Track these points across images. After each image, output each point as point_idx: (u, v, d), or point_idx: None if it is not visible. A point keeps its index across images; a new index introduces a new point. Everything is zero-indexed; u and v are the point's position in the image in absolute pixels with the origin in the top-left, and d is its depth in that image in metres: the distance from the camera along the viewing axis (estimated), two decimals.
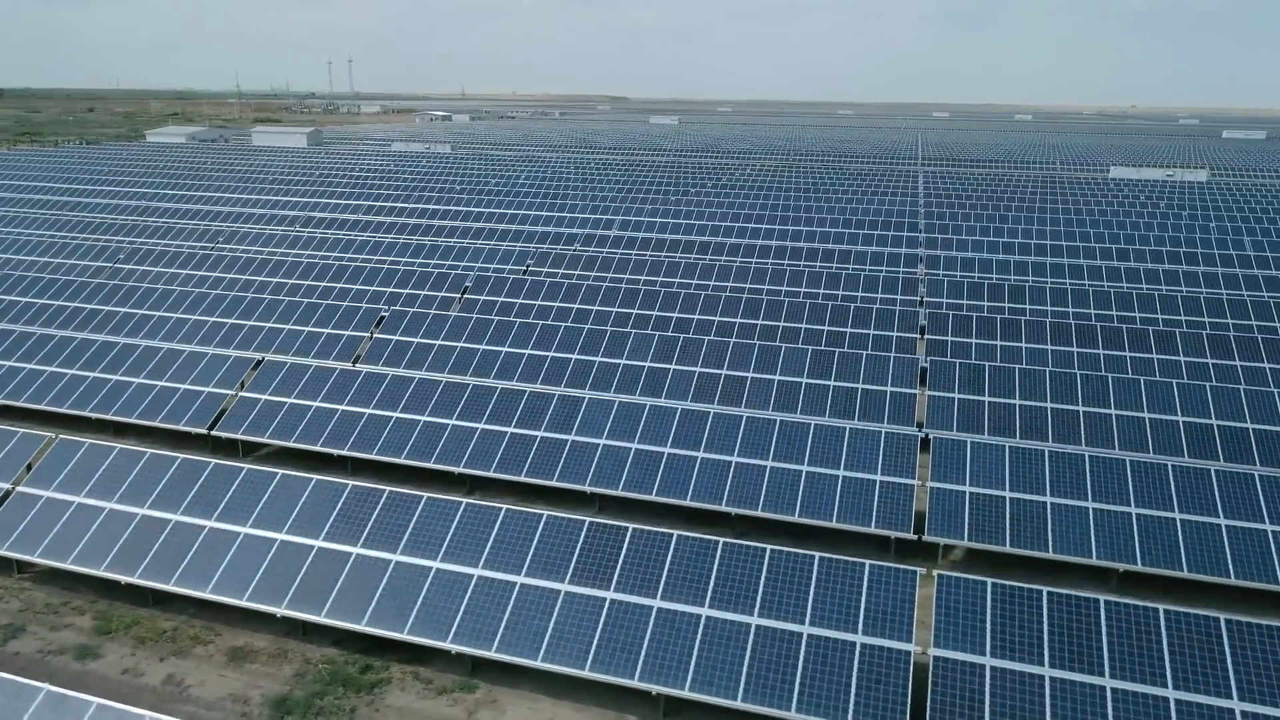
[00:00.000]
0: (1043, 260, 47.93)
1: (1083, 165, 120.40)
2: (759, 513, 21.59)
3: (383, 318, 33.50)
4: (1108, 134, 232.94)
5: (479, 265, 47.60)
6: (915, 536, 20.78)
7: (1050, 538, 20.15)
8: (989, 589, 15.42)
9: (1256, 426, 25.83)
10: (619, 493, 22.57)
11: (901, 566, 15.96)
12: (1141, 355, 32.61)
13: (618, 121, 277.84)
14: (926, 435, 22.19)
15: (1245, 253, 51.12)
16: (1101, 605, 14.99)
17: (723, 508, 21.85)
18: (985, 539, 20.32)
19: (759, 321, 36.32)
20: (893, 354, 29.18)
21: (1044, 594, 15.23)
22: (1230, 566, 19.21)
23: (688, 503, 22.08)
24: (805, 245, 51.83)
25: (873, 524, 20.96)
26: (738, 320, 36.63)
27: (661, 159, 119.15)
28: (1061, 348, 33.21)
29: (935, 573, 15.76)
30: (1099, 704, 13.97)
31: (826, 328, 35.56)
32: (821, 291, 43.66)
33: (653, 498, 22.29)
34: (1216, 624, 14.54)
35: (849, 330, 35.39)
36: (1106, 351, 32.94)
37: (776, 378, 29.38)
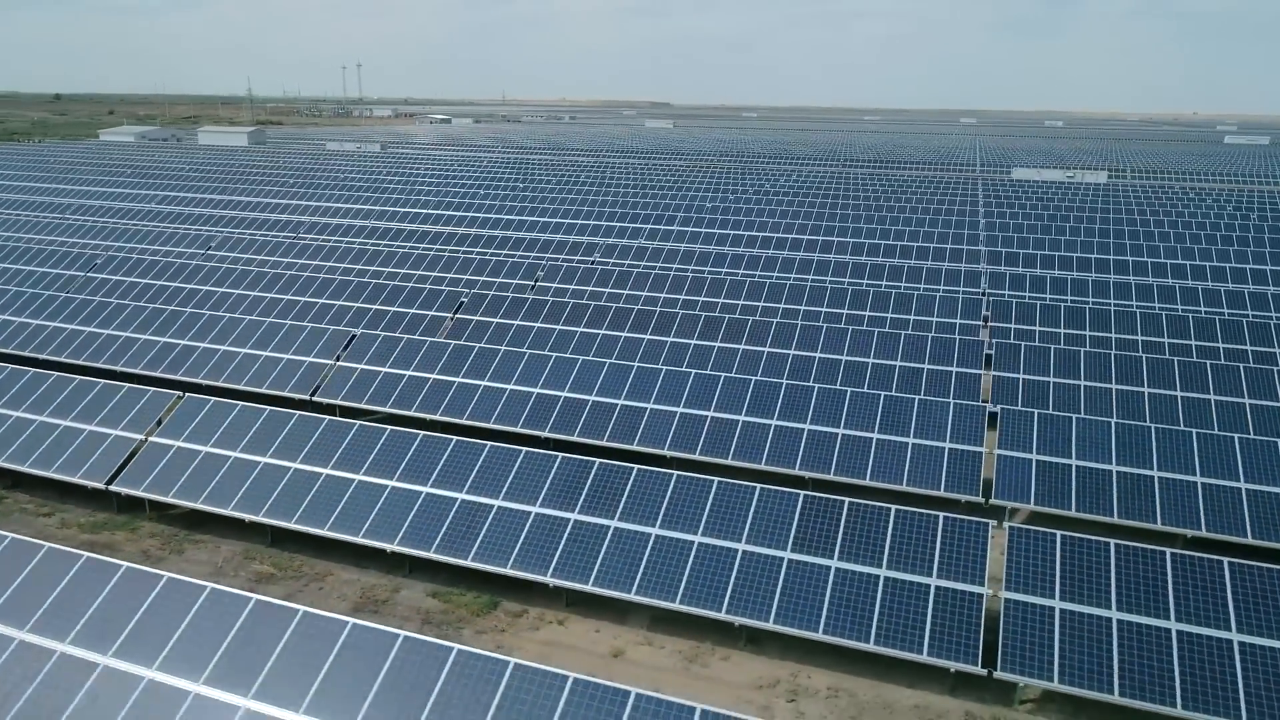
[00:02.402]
0: (793, 255, 48.80)
1: (998, 167, 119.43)
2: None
3: None
4: (1111, 139, 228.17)
5: (277, 258, 48.70)
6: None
7: (333, 516, 21.26)
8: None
9: (717, 414, 26.35)
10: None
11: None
12: (707, 343, 33.25)
13: (620, 126, 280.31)
14: (321, 406, 23.60)
15: (1030, 251, 50.83)
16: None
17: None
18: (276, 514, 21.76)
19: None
20: (345, 327, 30.66)
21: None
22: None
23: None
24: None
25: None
26: (475, 316, 37.51)
27: (583, 159, 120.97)
28: (638, 335, 34.08)
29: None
30: None
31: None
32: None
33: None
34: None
35: (399, 311, 36.81)
36: (676, 339, 33.63)
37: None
